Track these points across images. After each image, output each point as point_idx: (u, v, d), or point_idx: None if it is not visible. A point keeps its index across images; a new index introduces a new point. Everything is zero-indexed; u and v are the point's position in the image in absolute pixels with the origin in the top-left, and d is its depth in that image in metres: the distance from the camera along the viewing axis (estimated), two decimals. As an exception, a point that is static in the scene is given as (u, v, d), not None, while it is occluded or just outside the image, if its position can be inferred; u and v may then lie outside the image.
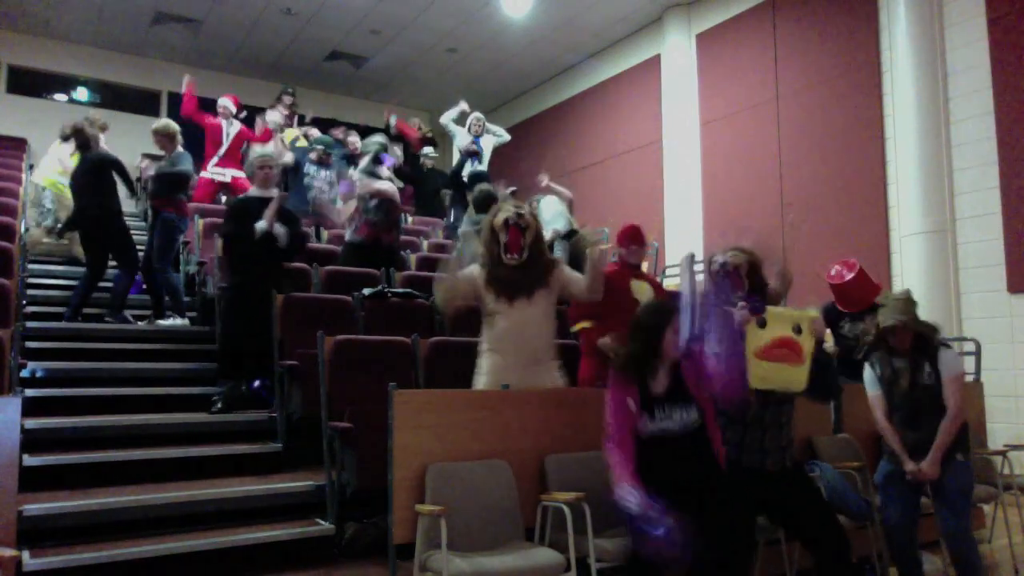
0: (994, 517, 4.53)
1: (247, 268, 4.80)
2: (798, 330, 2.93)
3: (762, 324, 2.94)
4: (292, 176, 7.61)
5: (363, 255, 5.97)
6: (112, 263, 6.08)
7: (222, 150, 7.69)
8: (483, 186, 6.41)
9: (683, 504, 2.74)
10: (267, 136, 8.09)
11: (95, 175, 5.84)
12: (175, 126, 6.28)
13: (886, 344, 3.57)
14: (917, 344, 3.50)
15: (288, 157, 7.65)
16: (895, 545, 3.50)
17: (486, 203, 5.65)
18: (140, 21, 10.69)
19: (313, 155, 7.60)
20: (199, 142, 7.71)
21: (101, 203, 5.79)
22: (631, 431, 2.89)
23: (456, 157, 8.59)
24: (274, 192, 4.99)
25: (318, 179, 7.53)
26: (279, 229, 4.79)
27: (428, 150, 9.41)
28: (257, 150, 6.03)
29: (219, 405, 4.70)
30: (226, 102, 7.85)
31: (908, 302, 3.57)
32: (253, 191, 5.06)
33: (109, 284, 6.01)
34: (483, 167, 8.25)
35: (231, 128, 7.75)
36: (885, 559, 3.76)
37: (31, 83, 11.44)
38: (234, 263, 4.91)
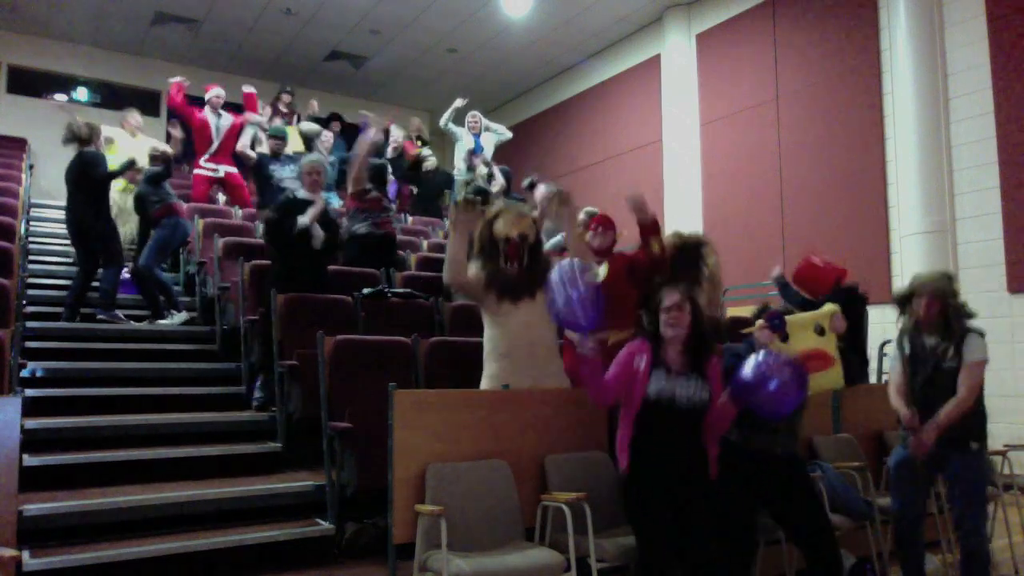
0: (994, 517, 4.53)
1: (290, 264, 4.92)
2: (820, 330, 2.91)
3: (785, 338, 2.93)
4: (259, 179, 7.44)
5: (369, 247, 5.96)
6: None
7: (214, 146, 7.57)
8: (474, 185, 6.40)
9: (669, 496, 2.79)
10: (253, 106, 8.02)
11: (71, 175, 5.84)
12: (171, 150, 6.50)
13: (913, 319, 3.47)
14: (946, 323, 3.39)
15: (246, 140, 7.69)
16: (899, 534, 3.47)
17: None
18: (140, 21, 10.70)
19: (266, 148, 7.39)
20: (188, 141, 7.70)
21: (80, 204, 5.80)
22: (620, 388, 2.92)
23: (457, 157, 8.58)
24: (321, 197, 5.11)
25: (286, 176, 7.23)
26: (317, 231, 4.91)
27: (426, 151, 9.39)
28: (309, 157, 5.98)
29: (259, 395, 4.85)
30: (217, 91, 7.73)
31: (942, 276, 3.49)
32: (301, 193, 5.19)
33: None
34: (482, 167, 8.24)
35: (221, 122, 7.62)
36: (885, 559, 3.76)
37: (31, 83, 11.43)
38: (277, 259, 5.02)
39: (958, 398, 3.32)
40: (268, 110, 8.79)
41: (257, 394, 4.92)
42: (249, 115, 7.78)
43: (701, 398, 2.90)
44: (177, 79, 7.62)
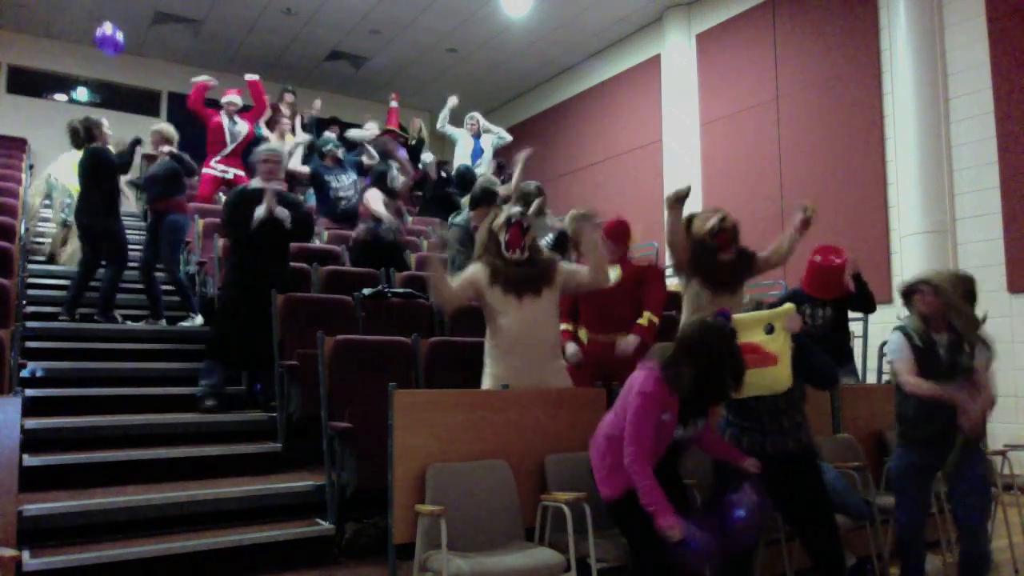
0: (994, 517, 4.53)
1: (250, 258, 4.80)
2: (770, 329, 2.91)
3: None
4: (317, 191, 7.47)
5: (372, 251, 5.97)
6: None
7: (227, 149, 7.66)
8: (483, 182, 6.37)
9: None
10: (262, 106, 8.03)
11: (89, 171, 5.84)
12: (174, 131, 6.39)
13: (921, 314, 3.44)
14: (953, 325, 3.42)
15: (296, 159, 7.66)
16: (906, 543, 3.45)
17: (484, 198, 5.65)
18: (140, 21, 10.70)
19: (327, 160, 7.40)
20: (198, 142, 7.70)
21: (91, 201, 5.79)
22: (652, 447, 2.79)
23: (456, 160, 8.55)
24: (273, 185, 4.91)
25: (343, 187, 7.25)
26: (282, 212, 4.80)
27: (427, 157, 9.36)
28: (265, 144, 5.96)
29: (210, 403, 4.69)
30: (232, 98, 7.80)
31: (957, 277, 3.51)
32: (254, 182, 5.00)
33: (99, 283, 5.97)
34: (483, 168, 8.23)
35: (235, 127, 7.71)
36: (885, 559, 3.76)
37: (31, 83, 11.45)
38: (237, 252, 4.91)
39: (988, 396, 3.45)
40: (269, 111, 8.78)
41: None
42: (284, 144, 7.73)
43: (694, 432, 2.95)
44: (203, 79, 7.63)
